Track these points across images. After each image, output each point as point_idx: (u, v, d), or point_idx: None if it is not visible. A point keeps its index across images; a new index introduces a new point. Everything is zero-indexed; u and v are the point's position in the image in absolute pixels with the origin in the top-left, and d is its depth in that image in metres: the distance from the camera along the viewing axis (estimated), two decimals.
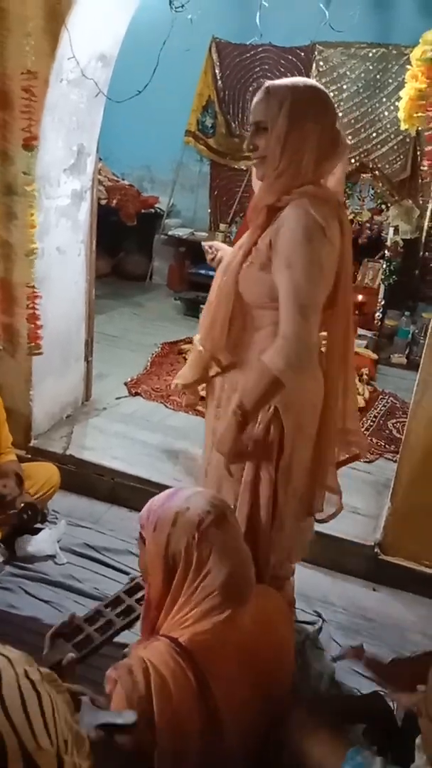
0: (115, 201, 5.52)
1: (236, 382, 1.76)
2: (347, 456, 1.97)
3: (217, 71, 5.56)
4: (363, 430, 3.63)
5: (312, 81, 1.67)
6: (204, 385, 1.98)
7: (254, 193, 1.78)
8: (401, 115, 2.13)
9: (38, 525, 2.65)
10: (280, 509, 1.79)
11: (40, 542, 2.56)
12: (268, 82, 1.63)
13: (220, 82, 5.58)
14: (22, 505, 2.47)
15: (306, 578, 2.60)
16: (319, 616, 2.41)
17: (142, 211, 5.79)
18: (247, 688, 1.42)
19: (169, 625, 1.42)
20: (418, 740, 1.32)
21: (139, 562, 1.59)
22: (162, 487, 2.82)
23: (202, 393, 2.05)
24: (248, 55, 5.42)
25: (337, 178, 1.73)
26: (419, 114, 2.08)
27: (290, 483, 1.77)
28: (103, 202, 5.32)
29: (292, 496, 1.80)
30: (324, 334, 1.79)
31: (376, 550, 2.63)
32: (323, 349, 1.80)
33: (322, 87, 1.65)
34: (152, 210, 5.94)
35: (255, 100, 1.63)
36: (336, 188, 1.72)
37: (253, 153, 1.65)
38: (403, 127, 2.15)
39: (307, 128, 1.57)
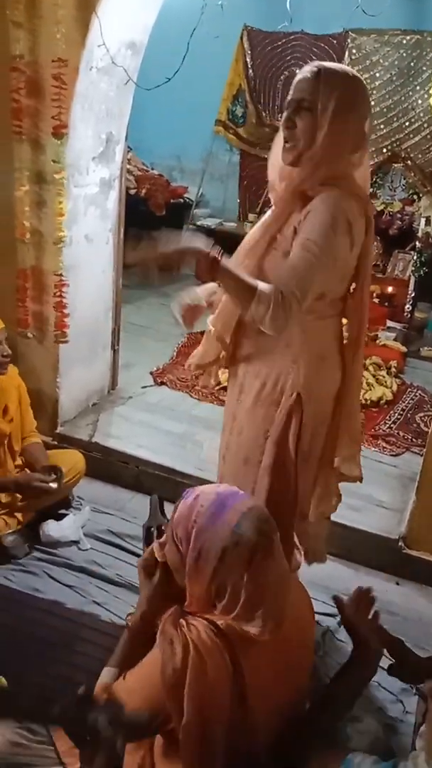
0: (144, 191, 5.53)
1: (259, 369, 1.76)
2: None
3: (248, 60, 5.52)
4: (390, 423, 3.60)
5: (356, 73, 1.64)
6: (223, 368, 1.97)
7: (269, 176, 1.75)
8: (431, 102, 2.08)
9: (63, 511, 2.69)
10: (301, 496, 1.79)
11: (65, 528, 2.59)
12: (318, 62, 1.58)
13: (251, 71, 5.54)
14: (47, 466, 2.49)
15: (329, 570, 2.58)
16: None
17: (171, 200, 5.78)
18: (276, 681, 1.43)
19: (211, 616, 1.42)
20: (423, 728, 1.30)
21: (169, 561, 1.50)
22: (185, 477, 2.88)
23: (220, 378, 2.04)
24: (280, 43, 5.37)
25: (364, 173, 1.70)
26: None
27: (307, 469, 1.77)
28: (132, 191, 5.32)
29: (309, 484, 1.81)
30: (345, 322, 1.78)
31: (400, 543, 2.61)
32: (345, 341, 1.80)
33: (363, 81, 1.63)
34: (181, 200, 5.93)
35: (301, 77, 1.58)
36: (363, 183, 1.69)
37: (288, 131, 1.59)
38: None
39: (351, 119, 1.56)
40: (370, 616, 1.68)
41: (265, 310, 1.49)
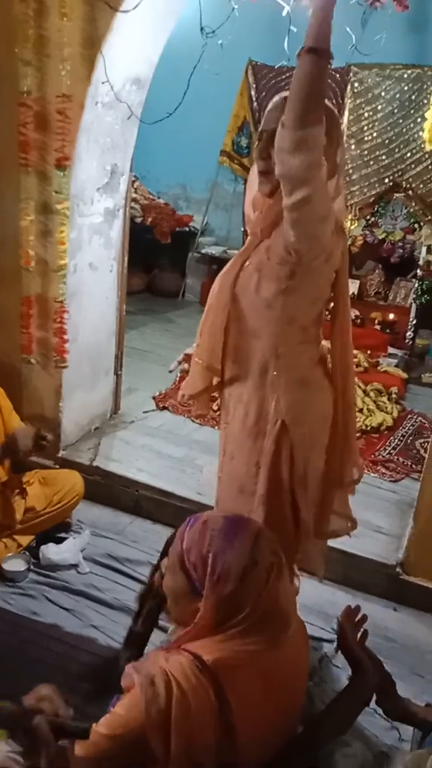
0: (150, 219, 5.63)
1: (240, 393, 1.78)
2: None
3: (252, 93, 5.64)
4: (390, 449, 3.61)
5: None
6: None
7: (244, 208, 1.80)
8: (426, 136, 2.15)
9: (62, 534, 2.71)
10: (303, 520, 1.81)
11: (64, 551, 2.61)
12: (285, 93, 1.60)
13: (255, 104, 5.66)
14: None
15: (326, 595, 2.59)
16: (337, 634, 2.39)
17: (177, 229, 5.88)
18: (269, 710, 1.41)
19: (201, 642, 1.40)
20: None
21: (164, 585, 1.49)
22: (185, 501, 2.90)
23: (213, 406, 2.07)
24: (284, 76, 5.47)
25: (340, 203, 1.72)
26: None
27: (307, 493, 1.79)
28: (138, 220, 5.43)
29: (313, 506, 1.82)
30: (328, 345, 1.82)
31: (398, 569, 2.61)
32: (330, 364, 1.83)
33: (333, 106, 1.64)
34: (186, 228, 6.04)
35: (272, 107, 1.61)
36: (339, 213, 1.70)
37: (262, 163, 1.61)
38: (428, 148, 2.17)
39: (326, 146, 1.54)
40: (359, 635, 1.68)
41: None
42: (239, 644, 1.34)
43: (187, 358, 2.00)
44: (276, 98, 1.63)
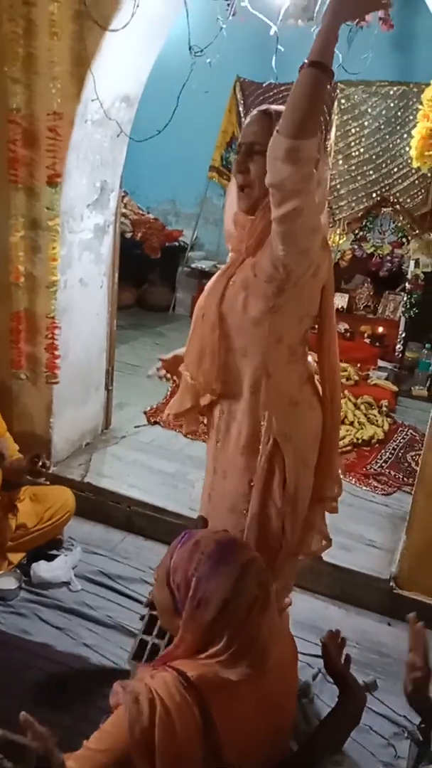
0: (140, 234, 5.65)
1: (233, 412, 1.77)
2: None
3: (240, 109, 5.70)
4: (381, 462, 3.62)
5: None
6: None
7: (225, 225, 1.77)
8: (413, 153, 2.18)
9: (54, 551, 2.69)
10: (287, 539, 1.80)
11: (55, 569, 2.59)
12: (266, 105, 1.60)
13: (243, 119, 5.72)
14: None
15: (319, 610, 2.58)
16: None
17: (167, 244, 5.91)
18: (257, 729, 1.40)
19: (186, 661, 1.39)
20: None
21: (152, 595, 1.52)
22: (177, 516, 2.88)
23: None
24: (272, 93, 5.54)
25: (324, 215, 1.71)
26: (431, 152, 2.13)
27: (296, 512, 1.78)
28: (128, 235, 5.44)
29: (298, 526, 1.81)
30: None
31: (391, 584, 2.61)
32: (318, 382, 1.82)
33: None
34: (176, 243, 6.07)
35: (250, 120, 1.60)
36: (324, 223, 1.67)
37: (241, 177, 1.60)
38: (414, 165, 2.20)
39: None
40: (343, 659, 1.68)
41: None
42: (221, 672, 1.33)
43: (167, 365, 1.97)
44: (254, 112, 1.62)
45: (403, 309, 4.95)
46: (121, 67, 2.74)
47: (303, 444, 1.76)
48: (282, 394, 1.73)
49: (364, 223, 5.20)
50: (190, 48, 2.53)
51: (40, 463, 2.45)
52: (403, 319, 4.94)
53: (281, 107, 1.49)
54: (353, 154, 5.19)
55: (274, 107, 1.59)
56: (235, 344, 1.71)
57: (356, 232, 5.22)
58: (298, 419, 1.74)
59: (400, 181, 5.21)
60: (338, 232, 5.12)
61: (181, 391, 1.88)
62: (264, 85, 5.32)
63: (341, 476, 2.01)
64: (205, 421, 1.95)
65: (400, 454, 3.75)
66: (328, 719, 1.69)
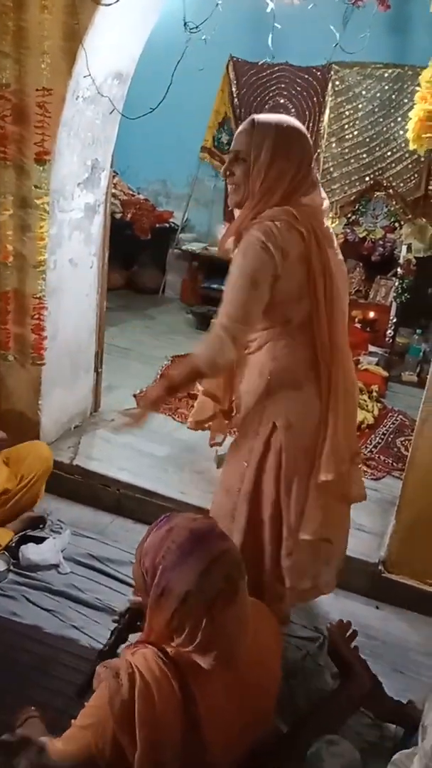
0: (129, 215, 5.58)
1: (248, 402, 1.85)
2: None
3: (233, 89, 5.63)
4: (371, 447, 3.63)
5: (295, 122, 1.74)
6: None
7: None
8: (410, 135, 2.15)
9: (42, 534, 2.68)
10: (287, 527, 1.80)
11: (44, 551, 2.57)
12: (254, 116, 1.72)
13: (236, 100, 5.65)
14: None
15: None
16: (320, 632, 2.40)
17: (157, 225, 5.84)
18: (233, 708, 1.41)
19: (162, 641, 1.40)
20: (428, 720, 1.25)
21: (134, 578, 1.50)
22: (167, 500, 2.88)
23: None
24: (265, 73, 5.49)
25: (323, 204, 1.80)
26: (428, 135, 2.10)
27: (291, 498, 1.78)
28: (118, 216, 5.37)
29: (297, 513, 1.80)
30: None
31: (379, 567, 2.62)
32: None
33: (303, 128, 1.74)
34: (167, 224, 6.00)
35: (240, 129, 1.72)
36: (316, 219, 1.75)
37: (228, 179, 1.75)
38: (411, 147, 2.18)
39: (284, 166, 1.66)
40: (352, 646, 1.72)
41: (213, 364, 1.69)
42: (194, 656, 1.34)
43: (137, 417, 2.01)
44: (246, 120, 1.73)
45: (395, 294, 4.94)
46: (114, 43, 2.68)
47: (302, 431, 1.76)
48: (286, 377, 1.76)
49: (356, 207, 5.17)
50: (185, 24, 2.48)
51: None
52: (394, 305, 4.93)
53: (269, 117, 1.72)
54: (347, 136, 5.15)
55: (261, 117, 1.72)
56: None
57: (349, 215, 5.18)
58: (299, 407, 1.77)
59: (393, 165, 5.18)
60: (331, 215, 5.08)
61: (200, 400, 2.03)
62: (258, 64, 5.25)
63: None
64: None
65: (389, 439, 3.76)
66: (327, 701, 1.72)
